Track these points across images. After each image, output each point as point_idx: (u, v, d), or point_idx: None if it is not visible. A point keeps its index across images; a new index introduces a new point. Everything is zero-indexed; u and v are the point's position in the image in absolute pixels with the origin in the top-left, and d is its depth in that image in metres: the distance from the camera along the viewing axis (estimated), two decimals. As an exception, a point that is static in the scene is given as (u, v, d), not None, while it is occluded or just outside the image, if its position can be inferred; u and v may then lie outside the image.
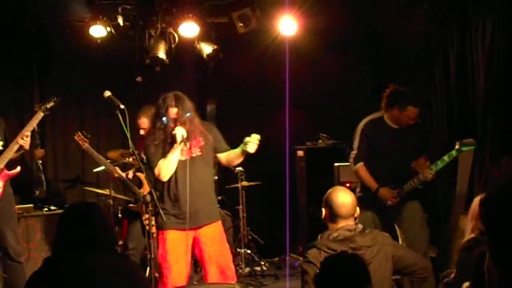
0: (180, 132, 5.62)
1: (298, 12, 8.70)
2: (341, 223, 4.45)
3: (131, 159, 8.02)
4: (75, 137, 7.76)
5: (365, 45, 9.86)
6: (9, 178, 6.60)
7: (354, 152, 6.69)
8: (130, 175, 7.85)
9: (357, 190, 6.81)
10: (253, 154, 5.80)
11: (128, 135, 5.36)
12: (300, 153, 9.70)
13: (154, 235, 6.09)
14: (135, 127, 7.20)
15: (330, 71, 9.75)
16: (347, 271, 3.37)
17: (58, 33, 9.02)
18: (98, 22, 8.61)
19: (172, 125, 5.68)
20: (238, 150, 5.86)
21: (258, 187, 9.09)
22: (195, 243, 5.85)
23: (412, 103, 6.52)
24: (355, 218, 4.55)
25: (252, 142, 5.66)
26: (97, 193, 8.45)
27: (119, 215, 8.31)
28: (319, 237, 4.55)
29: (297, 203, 9.62)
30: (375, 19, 9.26)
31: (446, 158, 6.36)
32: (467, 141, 6.30)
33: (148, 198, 5.45)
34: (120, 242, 7.98)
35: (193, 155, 5.81)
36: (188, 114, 5.75)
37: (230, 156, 5.99)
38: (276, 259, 9.43)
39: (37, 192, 8.96)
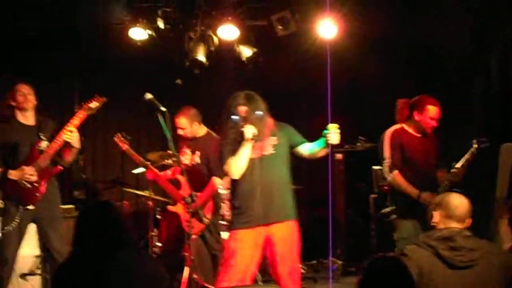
0: (249, 130, 5.57)
1: (338, 15, 8.68)
2: (453, 225, 4.42)
3: (170, 161, 8.06)
4: (115, 138, 7.82)
5: (406, 49, 9.80)
6: (50, 176, 6.66)
7: (387, 161, 6.64)
8: (170, 176, 7.85)
9: (388, 200, 6.80)
10: (292, 156, 5.80)
11: (169, 137, 5.38)
12: (339, 156, 9.67)
13: (193, 237, 6.10)
14: (174, 128, 7.23)
15: (370, 74, 9.71)
16: (390, 272, 3.33)
17: (99, 36, 9.09)
18: (138, 25, 8.67)
19: (243, 123, 5.65)
20: (320, 143, 5.78)
21: (298, 190, 9.07)
22: (266, 243, 5.75)
23: (429, 102, 6.53)
24: (468, 229, 4.49)
25: (332, 133, 5.59)
26: (136, 194, 8.50)
27: (158, 217, 8.34)
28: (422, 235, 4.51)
29: (335, 206, 9.59)
30: (417, 24, 9.19)
31: (467, 155, 6.46)
32: (482, 139, 6.47)
33: (189, 200, 5.46)
34: (159, 244, 8.02)
35: (265, 153, 5.76)
36: (259, 112, 5.72)
37: (313, 150, 5.89)
38: (314, 262, 9.41)
39: (77, 193, 9.05)
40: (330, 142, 5.59)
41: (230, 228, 5.91)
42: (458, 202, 4.49)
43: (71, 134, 6.50)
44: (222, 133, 5.91)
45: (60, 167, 6.70)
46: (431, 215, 4.60)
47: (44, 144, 6.56)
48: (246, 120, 5.65)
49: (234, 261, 5.65)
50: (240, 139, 5.63)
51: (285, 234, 5.76)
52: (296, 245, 5.84)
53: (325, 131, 5.60)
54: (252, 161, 5.71)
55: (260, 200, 5.65)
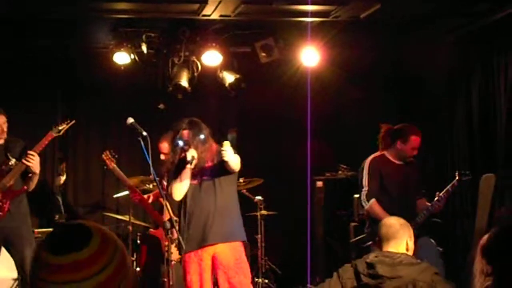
0: (190, 153, 5.74)
1: (320, 43, 8.75)
2: (389, 247, 4.40)
3: (151, 186, 8.05)
4: (103, 156, 7.80)
5: (388, 77, 9.88)
6: (15, 196, 6.63)
7: (365, 189, 6.69)
8: (150, 199, 7.84)
9: (366, 227, 6.84)
10: (272, 183, 5.86)
11: (150, 161, 5.39)
12: (319, 183, 9.68)
13: (173, 262, 6.11)
14: (157, 153, 7.23)
15: (352, 103, 9.78)
16: None
17: (83, 59, 9.10)
18: (122, 49, 8.68)
19: (186, 147, 5.79)
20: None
21: (276, 216, 9.08)
22: (213, 266, 5.89)
23: (413, 133, 6.59)
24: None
25: (223, 151, 5.63)
26: (117, 219, 8.47)
27: (138, 242, 8.31)
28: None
29: (314, 233, 9.59)
30: (399, 52, 9.28)
31: (448, 187, 6.53)
32: (464, 172, 6.55)
33: (168, 225, 5.46)
34: (138, 269, 7.98)
35: (204, 178, 5.92)
36: (202, 136, 5.85)
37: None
38: (293, 289, 9.40)
39: (57, 217, 9.00)
40: (224, 158, 5.64)
41: (182, 253, 6.03)
42: (391, 222, 4.48)
43: (32, 158, 6.49)
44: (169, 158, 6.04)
45: (25, 188, 6.69)
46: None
47: (12, 162, 6.55)
48: (188, 144, 5.80)
49: (188, 284, 5.85)
50: (182, 163, 5.78)
51: (228, 257, 5.87)
52: (240, 265, 5.95)
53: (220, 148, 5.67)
54: (193, 186, 5.89)
55: (200, 225, 5.80)
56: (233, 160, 5.73)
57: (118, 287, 1.66)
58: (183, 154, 5.79)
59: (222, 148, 5.59)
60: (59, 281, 1.59)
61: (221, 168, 5.90)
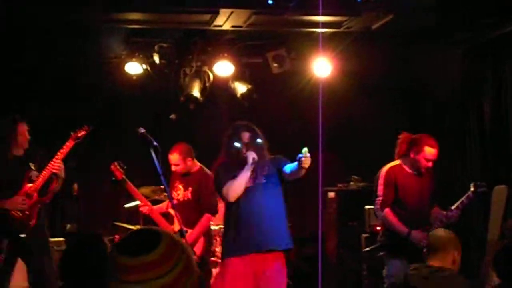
0: (251, 155, 5.71)
1: (332, 54, 8.75)
2: (432, 261, 4.39)
3: (162, 196, 8.04)
4: (112, 167, 7.78)
5: (399, 88, 9.85)
6: (41, 205, 6.69)
7: (379, 198, 6.63)
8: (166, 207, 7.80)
9: (379, 236, 6.81)
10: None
11: (160, 171, 5.38)
12: (331, 194, 9.65)
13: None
14: (167, 163, 7.23)
15: (363, 113, 9.75)
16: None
17: (95, 69, 9.12)
18: (134, 59, 8.71)
19: (244, 150, 5.79)
20: (295, 165, 5.76)
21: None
22: (258, 271, 5.78)
23: (428, 144, 6.53)
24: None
25: (304, 158, 5.57)
26: (128, 228, 8.47)
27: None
28: None
29: (326, 244, 9.56)
30: (410, 63, 9.26)
31: (463, 198, 6.46)
32: (480, 184, 6.44)
33: (178, 236, 5.44)
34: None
35: (258, 182, 5.86)
36: (259, 140, 5.88)
37: (291, 171, 5.88)
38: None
39: (68, 226, 9.01)
40: (303, 166, 5.59)
41: (222, 256, 5.97)
42: (440, 234, 4.47)
43: (57, 165, 6.53)
44: (218, 159, 5.99)
45: (49, 195, 6.72)
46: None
47: (34, 174, 6.58)
48: (248, 146, 5.79)
49: None
50: (241, 164, 5.73)
51: (275, 264, 5.79)
52: (282, 278, 5.87)
53: (300, 155, 5.60)
54: (247, 188, 5.78)
55: (252, 229, 5.68)
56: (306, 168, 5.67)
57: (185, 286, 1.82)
58: (243, 156, 5.75)
59: (306, 155, 5.53)
60: (130, 281, 1.77)
61: (276, 174, 5.92)
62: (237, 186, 5.74)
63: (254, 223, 5.74)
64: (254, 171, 5.80)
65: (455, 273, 4.38)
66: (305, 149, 5.55)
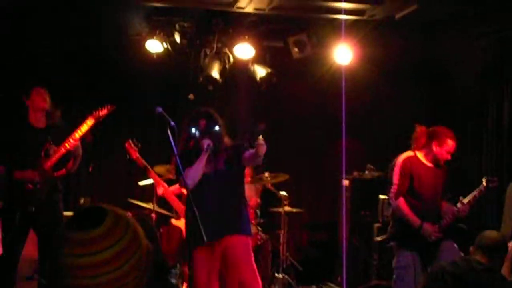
0: (206, 142, 5.78)
1: (353, 41, 8.70)
2: (477, 256, 4.39)
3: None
4: (126, 145, 7.79)
5: (421, 78, 9.80)
6: (53, 179, 6.72)
7: (394, 187, 6.60)
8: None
9: (389, 226, 6.79)
10: (298, 179, 5.82)
11: (176, 151, 5.38)
12: (346, 182, 9.62)
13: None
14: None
15: (383, 101, 9.72)
16: None
17: (115, 46, 9.11)
18: (155, 37, 8.69)
19: (201, 136, 5.85)
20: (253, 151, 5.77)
21: (300, 213, 9.05)
22: (220, 256, 5.89)
23: (450, 136, 6.49)
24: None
25: (258, 145, 5.60)
26: (140, 206, 8.49)
27: (161, 230, 8.33)
28: None
29: (338, 232, 9.56)
30: (432, 52, 9.21)
31: (475, 192, 6.46)
32: (492, 178, 6.48)
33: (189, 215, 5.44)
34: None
35: (217, 169, 5.93)
36: (217, 128, 5.89)
37: (249, 156, 5.90)
38: (314, 286, 9.36)
39: (82, 200, 9.04)
40: (259, 152, 5.62)
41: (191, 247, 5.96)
42: (488, 234, 4.48)
43: (73, 143, 6.55)
44: (178, 146, 5.97)
45: (63, 171, 6.75)
46: None
47: (52, 148, 6.60)
48: (204, 133, 5.85)
49: (196, 279, 5.80)
50: (197, 151, 5.80)
51: (235, 246, 5.86)
52: (248, 258, 5.93)
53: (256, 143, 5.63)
54: (206, 175, 5.83)
55: (212, 216, 5.70)
56: (262, 155, 5.71)
57: (131, 259, 1.94)
58: (198, 143, 5.83)
59: (259, 142, 5.54)
60: (78, 254, 1.89)
61: (236, 161, 5.95)
62: (193, 173, 5.78)
63: (210, 211, 5.74)
64: (210, 159, 5.84)
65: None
66: (260, 137, 5.58)
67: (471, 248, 4.84)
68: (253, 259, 6.01)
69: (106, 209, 1.99)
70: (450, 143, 6.50)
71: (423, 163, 6.62)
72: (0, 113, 7.99)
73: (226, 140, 6.03)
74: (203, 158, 5.78)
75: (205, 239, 5.46)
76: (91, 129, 6.75)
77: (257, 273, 6.03)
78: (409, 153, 6.69)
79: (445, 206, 6.65)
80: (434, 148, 6.53)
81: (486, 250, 4.48)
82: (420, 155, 6.64)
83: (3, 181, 6.60)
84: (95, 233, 1.90)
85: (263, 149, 5.58)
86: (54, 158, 6.59)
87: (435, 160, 6.60)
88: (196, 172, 5.79)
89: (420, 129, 6.69)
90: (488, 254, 4.45)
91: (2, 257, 6.58)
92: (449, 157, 6.56)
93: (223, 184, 5.93)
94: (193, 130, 5.89)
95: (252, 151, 5.75)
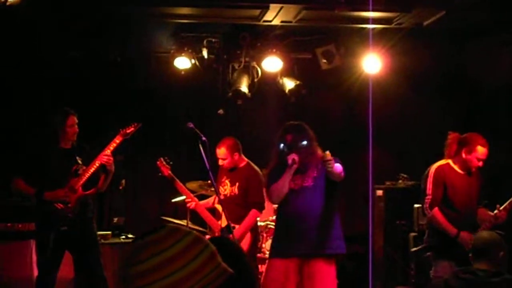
0: (291, 157, 5.67)
1: (382, 50, 8.66)
2: (477, 264, 4.30)
3: (209, 191, 8.03)
4: (158, 162, 7.80)
5: (450, 86, 9.72)
6: (83, 197, 6.69)
7: (428, 197, 6.53)
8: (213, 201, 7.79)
9: (426, 236, 6.71)
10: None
11: (208, 166, 5.37)
12: (379, 192, 9.55)
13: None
14: (214, 158, 7.21)
15: (413, 110, 9.65)
16: None
17: (143, 63, 9.15)
18: (183, 54, 8.72)
19: (288, 151, 5.76)
20: None
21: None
22: (300, 275, 5.76)
23: (480, 143, 6.41)
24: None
25: (325, 161, 5.54)
26: (175, 223, 8.48)
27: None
28: None
29: (373, 242, 9.47)
30: (461, 60, 9.13)
31: None
32: None
33: (226, 231, 5.43)
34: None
35: (306, 184, 5.82)
36: (304, 143, 5.79)
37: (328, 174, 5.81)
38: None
39: (116, 220, 9.06)
40: (328, 169, 5.58)
41: (269, 256, 5.99)
42: (483, 237, 4.37)
43: (108, 158, 6.56)
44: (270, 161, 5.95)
45: (93, 190, 6.76)
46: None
47: (80, 167, 6.63)
48: (291, 148, 5.71)
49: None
50: (283, 166, 5.69)
51: (318, 269, 5.74)
52: (330, 282, 5.80)
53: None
54: (293, 191, 5.72)
55: (296, 231, 5.64)
56: (337, 170, 5.63)
57: (195, 258, 1.87)
58: (284, 158, 5.74)
59: (326, 159, 5.49)
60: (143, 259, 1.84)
61: (325, 176, 5.83)
62: (278, 189, 5.74)
63: (297, 227, 5.72)
64: (298, 174, 5.77)
65: (507, 277, 4.26)
66: (326, 152, 5.52)
67: (470, 255, 4.74)
68: (333, 281, 5.87)
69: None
70: (481, 150, 6.40)
71: (455, 171, 6.55)
72: (27, 133, 8.04)
73: (319, 153, 5.87)
74: (288, 174, 5.71)
75: (288, 253, 5.47)
76: (119, 147, 6.77)
77: None
78: (441, 162, 6.63)
79: (482, 213, 6.57)
80: (464, 155, 6.46)
81: (480, 254, 4.38)
82: (452, 163, 6.57)
83: (34, 203, 6.63)
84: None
85: (329, 165, 5.50)
86: (84, 177, 6.61)
87: (466, 168, 6.52)
88: (280, 187, 5.73)
89: (452, 136, 6.62)
90: (484, 257, 4.35)
91: (38, 279, 6.61)
92: (480, 164, 6.45)
93: (311, 200, 5.81)
94: (281, 145, 5.82)
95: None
